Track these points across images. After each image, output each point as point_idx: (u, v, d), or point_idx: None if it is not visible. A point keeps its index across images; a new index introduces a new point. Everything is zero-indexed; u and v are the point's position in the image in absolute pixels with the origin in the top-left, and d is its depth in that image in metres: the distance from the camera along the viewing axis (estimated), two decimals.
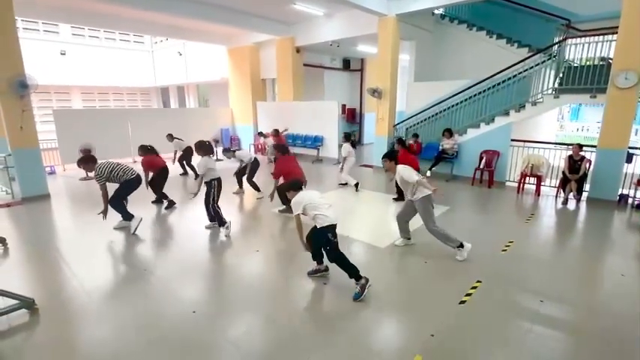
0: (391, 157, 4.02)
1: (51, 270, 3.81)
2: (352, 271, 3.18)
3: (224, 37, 12.56)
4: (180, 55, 16.08)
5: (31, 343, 2.66)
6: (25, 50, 6.22)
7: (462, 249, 3.88)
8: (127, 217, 4.81)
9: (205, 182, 4.74)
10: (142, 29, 11.82)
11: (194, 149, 4.86)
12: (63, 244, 4.53)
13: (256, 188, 6.68)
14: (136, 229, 4.71)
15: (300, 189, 3.44)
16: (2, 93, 5.96)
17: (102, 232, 4.87)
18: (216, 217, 4.74)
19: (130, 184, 4.83)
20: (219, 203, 4.82)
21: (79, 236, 4.89)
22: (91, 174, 4.77)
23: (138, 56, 18.41)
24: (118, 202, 4.81)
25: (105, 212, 4.68)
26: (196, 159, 8.31)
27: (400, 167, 3.94)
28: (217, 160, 10.75)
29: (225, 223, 4.69)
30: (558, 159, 6.99)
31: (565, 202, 6.18)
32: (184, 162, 8.63)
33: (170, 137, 8.62)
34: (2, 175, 6.89)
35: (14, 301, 2.89)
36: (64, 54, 16.11)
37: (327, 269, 3.54)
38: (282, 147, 5.87)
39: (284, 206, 5.60)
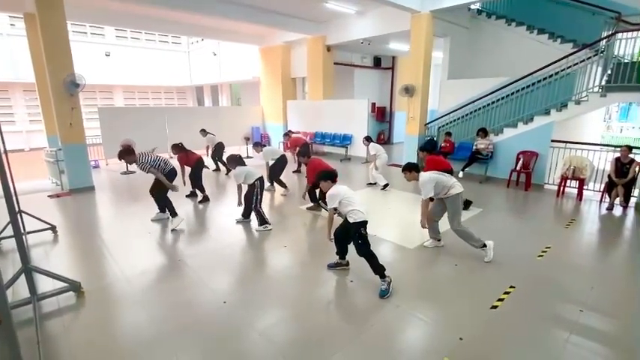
0: (411, 168, 3.92)
1: (95, 256, 4.09)
2: (379, 268, 3.19)
3: (257, 37, 12.82)
4: (215, 55, 16.58)
5: (78, 323, 2.87)
6: (74, 52, 6.67)
7: (486, 248, 3.80)
8: (173, 212, 4.93)
9: (249, 185, 4.86)
10: (180, 30, 12.32)
11: (227, 163, 5.08)
12: (105, 232, 4.84)
13: (283, 185, 6.80)
14: (176, 226, 4.85)
15: (335, 180, 3.49)
16: (55, 92, 6.45)
17: (141, 223, 5.16)
18: (257, 217, 4.87)
19: (167, 177, 5.02)
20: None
21: (120, 226, 5.19)
22: (132, 167, 5.01)
23: (175, 56, 19.21)
24: (162, 195, 5.00)
25: (172, 187, 4.91)
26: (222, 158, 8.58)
27: (421, 178, 3.82)
28: (248, 157, 11.07)
29: (266, 223, 4.82)
30: (604, 161, 6.55)
31: (610, 207, 5.79)
32: (216, 158, 8.89)
33: (203, 132, 8.89)
34: (53, 168, 7.46)
35: (63, 284, 3.14)
36: (108, 55, 17.12)
37: (347, 264, 3.64)
38: (306, 151, 6.06)
39: (312, 204, 5.66)
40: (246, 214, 5.07)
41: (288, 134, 8.88)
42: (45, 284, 3.21)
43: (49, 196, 6.65)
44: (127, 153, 4.84)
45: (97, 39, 16.96)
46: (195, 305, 3.07)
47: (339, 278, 3.52)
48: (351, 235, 3.31)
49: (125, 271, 3.66)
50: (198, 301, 3.13)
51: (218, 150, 8.79)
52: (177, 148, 6.20)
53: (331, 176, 3.50)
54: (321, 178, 3.55)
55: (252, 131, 13.24)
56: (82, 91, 6.86)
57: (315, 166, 5.45)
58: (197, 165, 6.21)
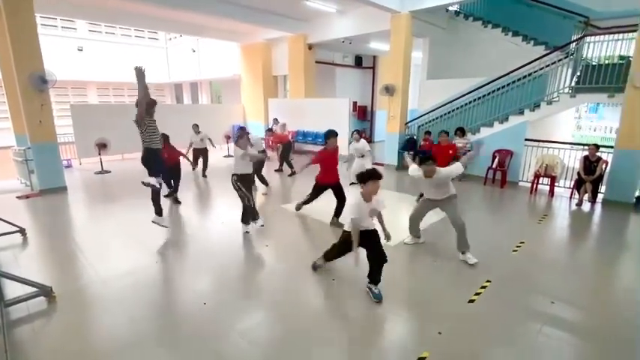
0: (434, 159, 3.72)
1: (67, 259, 3.94)
2: (379, 275, 3.11)
3: (237, 34, 12.64)
4: (194, 51, 16.24)
5: (49, 329, 2.76)
6: (43, 46, 6.38)
7: (468, 255, 3.80)
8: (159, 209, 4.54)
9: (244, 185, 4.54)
10: (157, 26, 11.98)
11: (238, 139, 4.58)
12: (79, 234, 4.67)
13: (265, 182, 6.72)
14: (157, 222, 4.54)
15: None
16: (23, 88, 6.15)
17: (117, 223, 5.00)
18: (253, 213, 4.61)
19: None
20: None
21: (94, 227, 5.02)
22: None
23: (152, 52, 18.68)
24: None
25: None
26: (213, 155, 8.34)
27: (445, 171, 3.75)
28: (229, 155, 10.91)
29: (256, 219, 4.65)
30: (574, 159, 6.85)
31: (579, 203, 6.06)
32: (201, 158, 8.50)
33: (196, 127, 8.22)
34: (22, 167, 7.12)
35: (33, 289, 3.01)
36: (81, 50, 16.46)
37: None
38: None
39: (308, 196, 5.22)
40: (247, 219, 4.68)
41: (270, 130, 8.72)
42: (13, 290, 3.05)
43: (17, 197, 6.34)
44: (151, 105, 4.28)
45: (69, 33, 16.26)
46: (173, 307, 3.01)
47: (322, 277, 3.53)
48: (374, 242, 3.10)
49: (100, 273, 3.54)
50: (178, 303, 3.08)
51: (204, 152, 8.45)
52: (164, 138, 5.81)
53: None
54: (374, 177, 3.05)
55: (234, 130, 13.06)
56: (53, 87, 6.58)
57: (334, 162, 4.96)
58: (178, 164, 6.07)
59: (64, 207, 6.00)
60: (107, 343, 2.57)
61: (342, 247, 3.25)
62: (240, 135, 4.56)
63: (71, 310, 2.96)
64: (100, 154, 8.83)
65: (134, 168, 8.38)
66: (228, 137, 11.65)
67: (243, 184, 4.47)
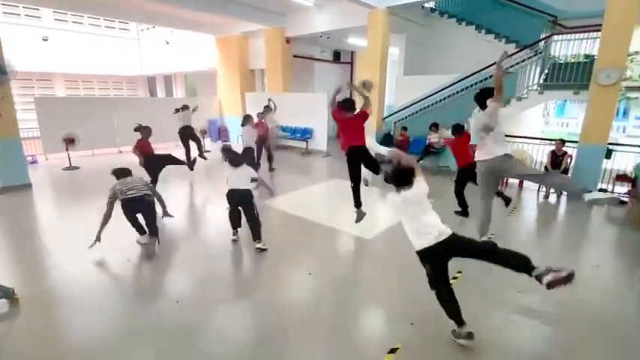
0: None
1: (32, 260, 3.76)
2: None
3: (212, 26, 12.32)
4: (168, 43, 15.73)
5: (12, 332, 2.64)
6: (4, 35, 6.02)
7: None
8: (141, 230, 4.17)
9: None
10: (128, 16, 11.53)
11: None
12: (44, 234, 4.47)
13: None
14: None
15: None
16: None
17: (86, 223, 4.80)
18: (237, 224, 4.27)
19: None
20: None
21: (62, 226, 4.82)
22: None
23: (123, 44, 17.93)
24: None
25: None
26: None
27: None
28: (206, 151, 10.68)
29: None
30: (542, 154, 7.14)
31: (547, 196, 6.34)
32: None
33: (186, 108, 8.33)
34: None
35: None
36: (46, 40, 15.58)
37: None
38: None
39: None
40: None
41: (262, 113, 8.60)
42: None
43: None
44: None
45: (33, 22, 15.35)
46: (145, 307, 2.94)
47: (297, 272, 3.53)
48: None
49: (67, 274, 3.41)
50: (149, 302, 3.00)
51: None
52: (148, 132, 5.82)
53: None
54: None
55: (209, 124, 12.80)
56: (15, 79, 6.21)
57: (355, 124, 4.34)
58: (157, 158, 5.90)
59: (29, 205, 5.71)
60: (75, 347, 2.48)
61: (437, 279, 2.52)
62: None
63: (36, 312, 2.83)
64: (67, 150, 8.44)
65: (105, 164, 8.07)
66: (204, 132, 11.40)
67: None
